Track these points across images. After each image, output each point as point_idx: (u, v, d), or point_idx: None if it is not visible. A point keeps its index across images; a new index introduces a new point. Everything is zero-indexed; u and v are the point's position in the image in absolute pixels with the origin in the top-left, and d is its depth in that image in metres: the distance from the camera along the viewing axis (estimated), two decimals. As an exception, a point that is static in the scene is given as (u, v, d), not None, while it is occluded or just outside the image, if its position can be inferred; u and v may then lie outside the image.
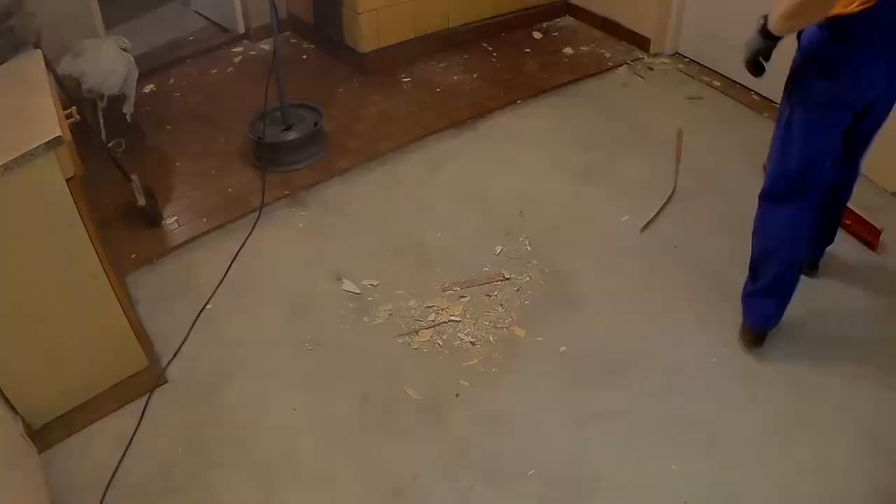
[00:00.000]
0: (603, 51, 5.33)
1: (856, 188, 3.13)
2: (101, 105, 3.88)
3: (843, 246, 3.45)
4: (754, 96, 4.69)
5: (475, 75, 4.99)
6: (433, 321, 3.12)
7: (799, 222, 2.73)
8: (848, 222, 3.53)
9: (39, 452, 2.54)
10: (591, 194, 3.86)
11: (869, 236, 3.44)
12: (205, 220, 3.63)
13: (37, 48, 2.82)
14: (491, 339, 3.04)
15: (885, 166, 3.79)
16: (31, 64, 2.70)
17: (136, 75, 4.04)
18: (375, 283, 3.30)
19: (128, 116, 4.06)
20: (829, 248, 3.30)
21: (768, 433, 2.65)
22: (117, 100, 3.97)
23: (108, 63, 3.77)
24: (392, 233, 3.59)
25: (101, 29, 4.53)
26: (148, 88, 4.86)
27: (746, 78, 4.68)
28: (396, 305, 3.19)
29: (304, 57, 5.30)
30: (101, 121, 3.93)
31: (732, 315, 3.10)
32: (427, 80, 4.96)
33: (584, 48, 5.37)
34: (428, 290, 3.28)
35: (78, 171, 2.39)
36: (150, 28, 5.51)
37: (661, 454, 2.58)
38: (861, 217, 3.50)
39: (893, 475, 2.49)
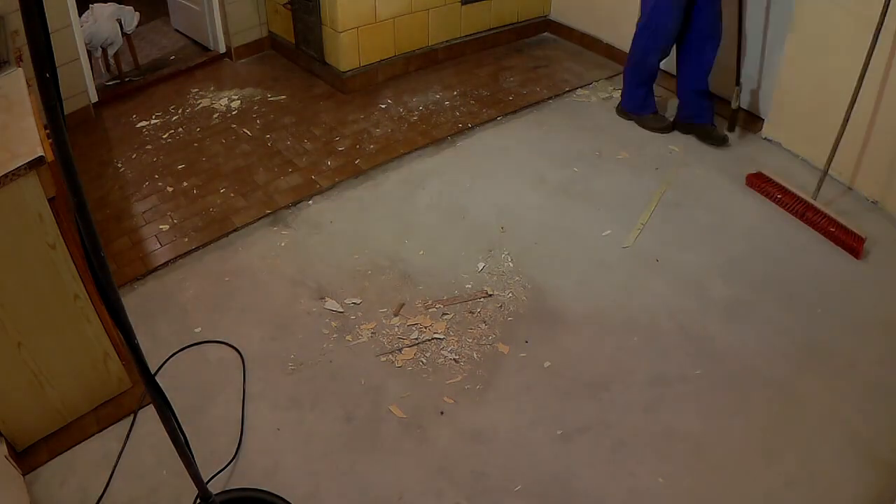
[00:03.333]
0: (582, 66, 5.37)
1: (839, 197, 3.18)
2: (96, 54, 5.05)
3: (827, 254, 3.49)
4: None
5: (455, 92, 5.01)
6: (416, 339, 3.12)
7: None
8: (832, 230, 3.58)
9: (24, 474, 2.52)
10: (572, 209, 3.88)
11: (853, 244, 3.48)
12: (186, 239, 3.62)
13: (18, 67, 2.81)
14: (474, 355, 3.04)
15: (868, 176, 3.84)
16: (13, 83, 2.69)
17: (120, 42, 5.08)
18: (358, 301, 3.30)
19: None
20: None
21: (754, 444, 2.67)
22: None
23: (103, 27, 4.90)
24: (374, 251, 3.59)
25: (83, 48, 4.53)
26: (128, 107, 4.86)
27: (725, 91, 4.75)
28: (379, 324, 3.19)
29: (285, 76, 5.30)
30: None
31: (716, 326, 3.13)
32: (407, 97, 4.97)
33: (563, 64, 5.41)
34: (411, 307, 3.27)
35: (59, 190, 2.38)
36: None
37: (647, 468, 2.58)
38: (845, 225, 3.55)
39: (880, 483, 2.51)
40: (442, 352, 3.06)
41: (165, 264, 3.49)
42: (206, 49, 5.63)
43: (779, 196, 3.87)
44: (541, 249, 3.60)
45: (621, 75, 5.21)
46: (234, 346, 3.06)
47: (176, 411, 1.86)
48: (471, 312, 3.24)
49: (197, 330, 3.14)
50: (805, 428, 2.73)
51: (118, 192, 4.00)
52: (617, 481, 2.55)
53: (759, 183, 3.97)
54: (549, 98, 4.96)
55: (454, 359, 3.02)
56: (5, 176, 2.11)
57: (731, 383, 2.91)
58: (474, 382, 2.92)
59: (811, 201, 3.74)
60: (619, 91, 5.03)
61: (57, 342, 2.52)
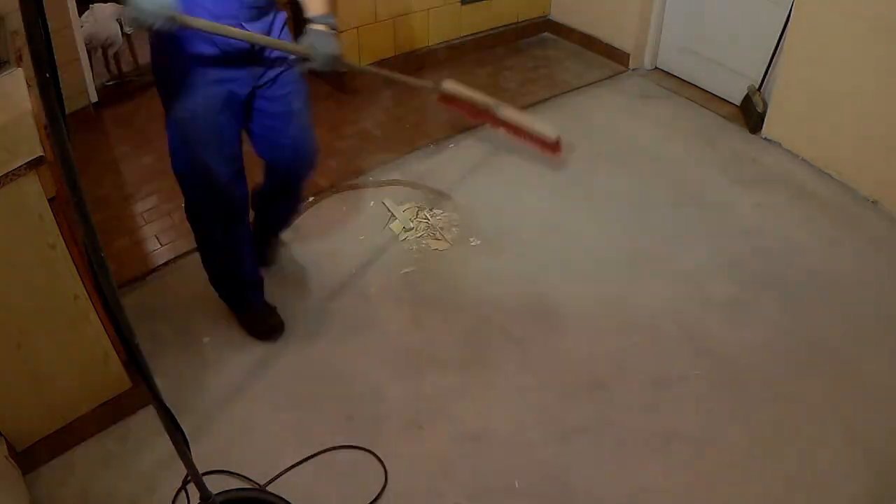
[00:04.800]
0: (582, 66, 5.36)
1: (835, 194, 3.19)
2: (96, 54, 4.98)
3: (827, 254, 3.49)
4: (733, 108, 4.73)
5: (456, 92, 5.01)
6: (417, 338, 3.12)
7: None
8: (526, 137, 3.62)
9: (24, 474, 2.51)
10: (572, 209, 3.87)
11: (551, 147, 3.44)
12: (186, 239, 3.60)
13: (18, 67, 2.81)
14: (475, 354, 3.04)
15: (866, 174, 3.84)
16: (13, 83, 2.68)
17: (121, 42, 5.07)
18: (359, 301, 3.30)
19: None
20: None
21: (755, 444, 2.67)
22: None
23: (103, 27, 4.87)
24: (375, 250, 3.59)
25: (83, 48, 4.52)
26: (128, 107, 4.86)
27: (725, 91, 4.77)
28: (381, 324, 3.19)
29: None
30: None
31: (717, 326, 3.13)
32: (407, 97, 4.97)
33: (563, 64, 5.40)
34: (412, 307, 3.27)
35: (59, 190, 2.38)
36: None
37: (647, 468, 2.58)
38: (538, 132, 3.49)
39: (880, 482, 2.51)
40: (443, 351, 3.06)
41: (165, 264, 3.49)
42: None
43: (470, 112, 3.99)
44: (540, 248, 3.60)
45: (621, 74, 5.22)
46: (234, 346, 3.06)
47: (175, 411, 1.85)
48: (472, 313, 3.25)
49: (205, 340, 3.13)
50: (805, 428, 2.72)
51: (118, 192, 3.99)
52: (617, 481, 2.55)
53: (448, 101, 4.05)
54: (550, 98, 4.96)
55: (454, 358, 3.02)
56: (5, 176, 2.11)
57: (731, 383, 2.91)
58: (474, 382, 2.92)
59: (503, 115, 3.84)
60: (619, 90, 5.04)
61: (57, 342, 2.51)
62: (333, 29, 2.47)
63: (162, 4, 2.09)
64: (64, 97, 1.41)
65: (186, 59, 2.45)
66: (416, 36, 5.20)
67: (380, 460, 2.60)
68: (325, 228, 3.74)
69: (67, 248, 2.38)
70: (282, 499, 2.42)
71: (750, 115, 4.49)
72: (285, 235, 3.52)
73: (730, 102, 4.80)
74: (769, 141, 4.39)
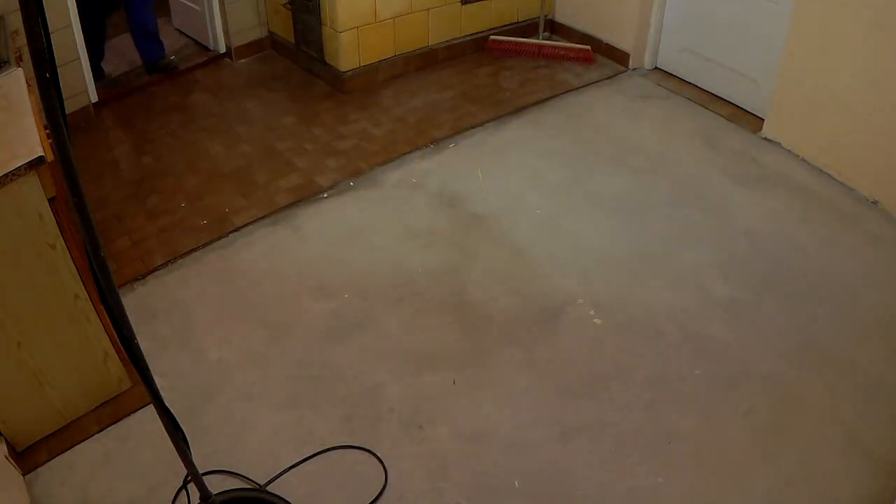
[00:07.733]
0: (582, 66, 5.36)
1: (835, 194, 3.19)
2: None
3: (827, 254, 3.49)
4: (734, 109, 4.73)
5: (455, 92, 5.01)
6: (417, 339, 3.12)
7: None
8: (563, 53, 5.22)
9: (24, 474, 2.52)
10: (571, 209, 3.87)
11: (584, 55, 5.04)
12: (186, 239, 3.62)
13: (18, 67, 2.81)
14: (475, 355, 3.04)
15: (866, 174, 3.84)
16: (13, 83, 2.69)
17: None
18: (359, 301, 3.30)
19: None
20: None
21: (754, 444, 2.66)
22: None
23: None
24: (375, 250, 3.59)
25: (83, 48, 4.52)
26: (128, 107, 4.85)
27: (726, 91, 4.76)
28: (380, 324, 3.19)
29: (284, 75, 5.30)
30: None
31: (716, 326, 3.13)
32: (407, 97, 4.98)
33: (563, 64, 5.40)
34: (412, 307, 3.27)
35: (59, 190, 2.38)
36: (131, 46, 5.49)
37: (647, 467, 2.58)
38: (572, 46, 5.22)
39: (879, 483, 2.51)
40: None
41: (165, 264, 3.49)
42: (206, 49, 5.62)
43: (514, 49, 5.36)
44: (540, 248, 3.60)
45: (621, 74, 5.22)
46: (234, 345, 3.06)
47: (175, 411, 1.86)
48: (472, 313, 3.25)
49: (196, 329, 3.13)
50: (805, 428, 2.72)
51: (118, 192, 4.00)
52: (617, 481, 2.54)
53: (496, 46, 5.44)
54: (549, 98, 4.96)
55: (454, 358, 3.02)
56: (5, 176, 2.12)
57: (731, 383, 2.90)
58: (475, 382, 2.92)
59: (541, 42, 5.38)
60: (619, 90, 5.04)
61: (57, 342, 2.52)
62: None
63: None
64: (64, 97, 1.41)
65: None
66: (416, 36, 5.20)
67: (380, 460, 2.61)
68: (329, 228, 3.74)
69: (67, 248, 2.39)
70: (282, 499, 2.42)
71: None
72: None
73: (730, 102, 4.80)
74: (769, 141, 4.39)
